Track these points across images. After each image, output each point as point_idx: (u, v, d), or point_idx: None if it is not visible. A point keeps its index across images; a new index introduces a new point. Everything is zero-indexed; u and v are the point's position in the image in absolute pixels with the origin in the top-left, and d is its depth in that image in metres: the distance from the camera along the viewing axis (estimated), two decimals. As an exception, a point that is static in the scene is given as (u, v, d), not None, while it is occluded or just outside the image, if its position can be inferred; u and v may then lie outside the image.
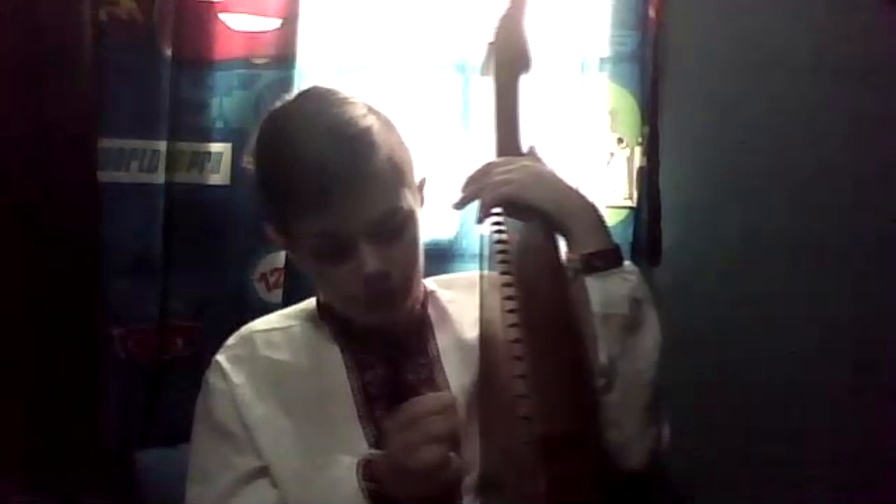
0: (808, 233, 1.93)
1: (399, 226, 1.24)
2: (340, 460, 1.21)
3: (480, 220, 1.26)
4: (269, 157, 1.26)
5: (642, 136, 1.93)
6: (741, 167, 1.95)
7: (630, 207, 1.94)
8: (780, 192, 1.95)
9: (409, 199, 1.26)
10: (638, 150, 1.93)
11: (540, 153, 1.31)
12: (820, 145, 1.92)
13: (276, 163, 1.24)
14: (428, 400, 1.18)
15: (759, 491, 1.90)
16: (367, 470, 1.17)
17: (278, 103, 1.30)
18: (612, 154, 1.93)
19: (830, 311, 1.93)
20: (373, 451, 1.21)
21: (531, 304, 1.11)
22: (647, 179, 1.93)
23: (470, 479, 1.20)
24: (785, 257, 1.95)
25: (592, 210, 1.24)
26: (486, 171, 1.28)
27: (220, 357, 1.33)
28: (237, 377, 1.30)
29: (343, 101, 1.24)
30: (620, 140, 1.93)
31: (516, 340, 1.07)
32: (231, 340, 1.35)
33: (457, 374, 1.31)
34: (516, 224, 1.21)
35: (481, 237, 1.36)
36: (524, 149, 1.30)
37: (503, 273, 1.14)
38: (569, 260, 1.21)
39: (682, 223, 1.94)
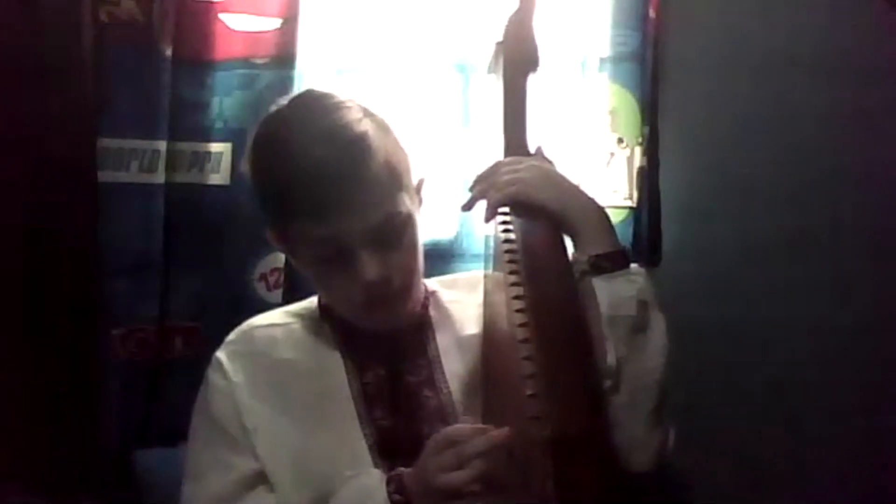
0: (807, 233, 1.93)
1: (398, 231, 1.23)
2: (371, 471, 1.21)
3: (487, 220, 1.26)
4: (264, 164, 1.25)
5: (642, 136, 1.93)
6: (741, 167, 1.96)
7: (630, 207, 1.95)
8: (780, 192, 1.95)
9: (407, 202, 1.25)
10: (638, 150, 1.94)
11: (547, 153, 1.31)
12: (820, 145, 1.93)
13: (272, 170, 1.23)
14: (471, 429, 1.12)
15: (760, 491, 1.90)
16: (397, 483, 1.15)
17: (273, 108, 1.28)
18: (612, 154, 1.93)
19: (830, 311, 1.93)
20: (403, 468, 1.18)
21: (540, 303, 1.10)
22: (647, 179, 1.93)
23: None
24: (785, 257, 1.95)
25: (599, 211, 1.25)
26: (493, 170, 1.28)
27: (221, 354, 1.32)
28: (237, 375, 1.29)
29: (338, 106, 1.23)
30: (620, 140, 1.93)
31: (525, 340, 1.07)
32: (232, 336, 1.35)
33: (456, 374, 1.30)
34: (523, 224, 1.21)
35: (486, 237, 1.36)
36: (532, 149, 1.30)
37: (511, 273, 1.14)
38: (575, 261, 1.21)
39: (682, 223, 1.94)
